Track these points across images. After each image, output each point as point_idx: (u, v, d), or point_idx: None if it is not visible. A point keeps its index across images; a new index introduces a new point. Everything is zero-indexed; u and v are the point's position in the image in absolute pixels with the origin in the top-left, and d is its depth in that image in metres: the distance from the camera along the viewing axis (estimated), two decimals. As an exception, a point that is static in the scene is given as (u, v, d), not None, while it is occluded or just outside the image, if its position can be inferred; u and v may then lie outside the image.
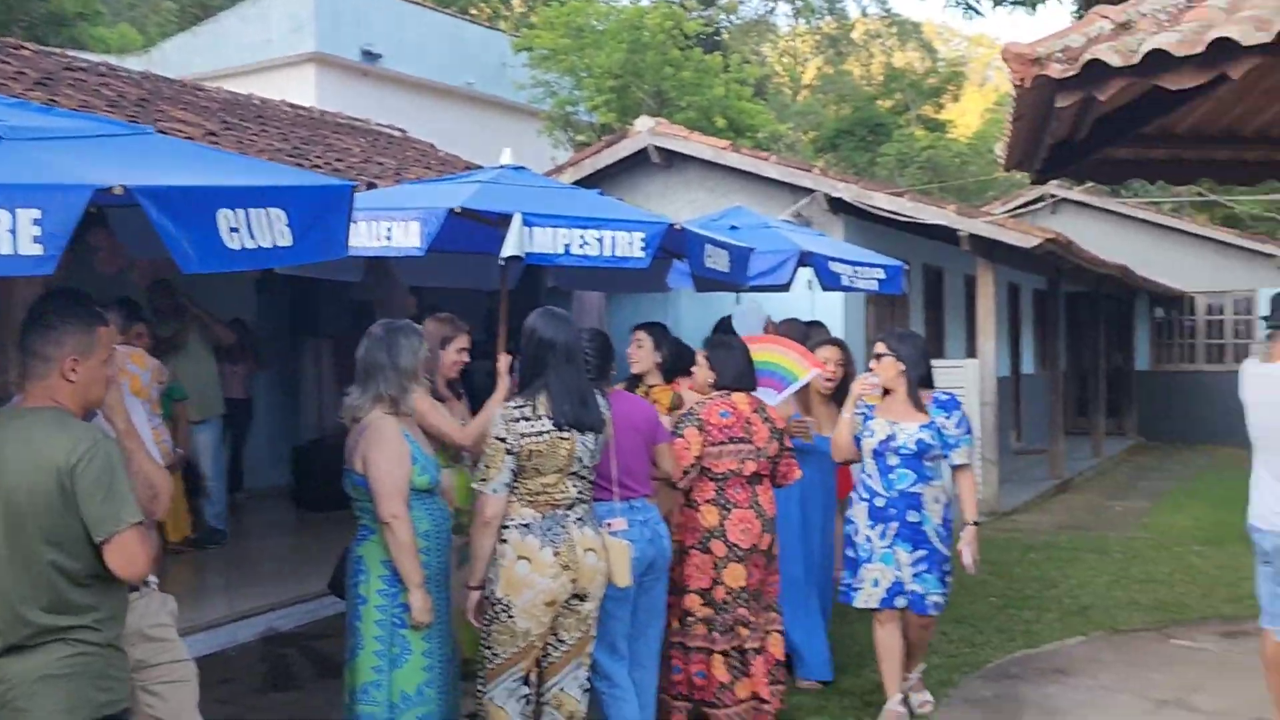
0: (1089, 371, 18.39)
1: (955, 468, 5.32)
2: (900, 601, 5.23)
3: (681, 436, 4.96)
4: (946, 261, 13.98)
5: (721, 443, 4.99)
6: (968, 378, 11.54)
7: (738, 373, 5.20)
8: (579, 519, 4.19)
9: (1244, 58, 4.03)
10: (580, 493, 4.23)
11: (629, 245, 4.97)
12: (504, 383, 4.90)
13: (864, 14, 40.67)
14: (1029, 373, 18.23)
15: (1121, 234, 20.83)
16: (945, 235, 11.53)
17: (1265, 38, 3.92)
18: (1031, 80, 4.38)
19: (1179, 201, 27.05)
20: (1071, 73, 4.29)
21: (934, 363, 12.01)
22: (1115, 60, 4.20)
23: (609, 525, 4.46)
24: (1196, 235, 21.16)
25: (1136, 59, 4.15)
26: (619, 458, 4.61)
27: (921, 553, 5.18)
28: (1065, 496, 13.35)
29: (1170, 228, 21.30)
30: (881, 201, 10.88)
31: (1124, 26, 4.41)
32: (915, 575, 5.19)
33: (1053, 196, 20.61)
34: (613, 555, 4.28)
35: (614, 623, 4.57)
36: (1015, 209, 20.80)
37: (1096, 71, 4.27)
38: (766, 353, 5.92)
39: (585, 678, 4.28)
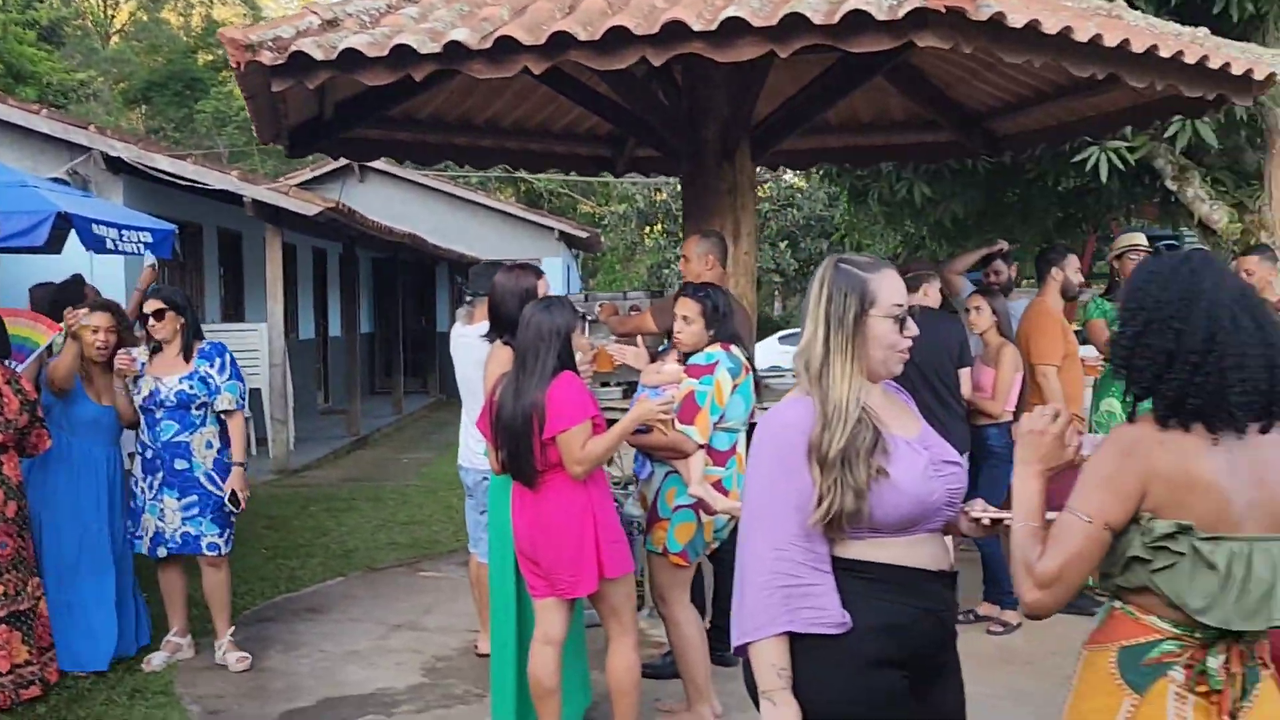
0: (393, 334, 19.46)
1: (223, 412, 5.58)
2: (162, 551, 5.53)
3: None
4: (246, 226, 14.10)
5: (-31, 417, 4.84)
6: (260, 340, 11.84)
7: None
8: None
9: (423, 63, 4.68)
10: None
11: None
12: None
13: (182, -39, 39.12)
14: (336, 335, 18.90)
15: (425, 204, 22.19)
16: (241, 200, 11.66)
17: (436, 48, 4.59)
18: (245, 65, 4.71)
19: (486, 177, 29.20)
20: (281, 61, 4.69)
21: (230, 326, 12.17)
22: (318, 54, 4.65)
23: None
24: (491, 208, 23.11)
25: (334, 55, 4.64)
26: None
27: (192, 498, 5.48)
28: (360, 452, 14.13)
29: (468, 200, 23.04)
30: (163, 163, 10.79)
31: (331, 24, 4.89)
32: (186, 519, 5.48)
33: (362, 165, 21.43)
34: None
35: None
36: (325, 174, 21.38)
37: (303, 62, 4.70)
38: (13, 326, 5.77)
39: None
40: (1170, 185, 9.79)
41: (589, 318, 6.18)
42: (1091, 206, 11.65)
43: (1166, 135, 8.28)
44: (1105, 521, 2.03)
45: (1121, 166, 8.38)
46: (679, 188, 28.05)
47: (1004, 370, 6.15)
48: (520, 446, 4.15)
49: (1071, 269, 6.53)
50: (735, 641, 2.50)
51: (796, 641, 2.43)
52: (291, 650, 5.92)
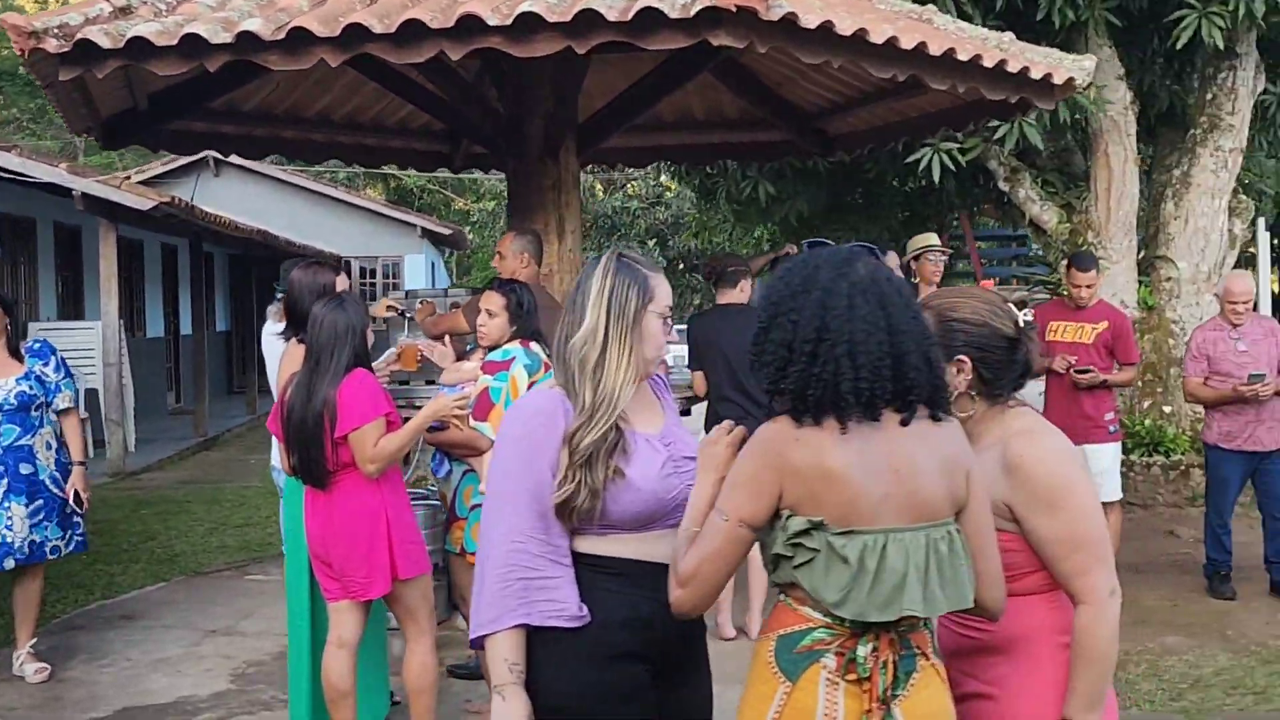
0: (249, 331, 19.01)
1: (60, 412, 5.48)
2: (10, 563, 5.30)
3: None
4: (85, 221, 13.62)
5: None
6: (94, 339, 11.46)
7: None
8: None
9: (216, 54, 4.55)
10: None
11: None
12: None
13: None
14: (187, 334, 18.39)
15: (284, 199, 21.75)
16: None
17: (228, 38, 4.47)
18: (30, 53, 4.54)
19: (354, 172, 28.68)
20: (66, 49, 4.52)
21: (62, 325, 11.74)
22: (106, 43, 4.50)
23: None
24: (352, 204, 22.74)
25: (123, 44, 4.49)
26: None
27: (39, 502, 5.34)
28: (206, 454, 13.75)
29: (328, 196, 22.64)
30: (-13, 155, 10.38)
31: (123, 11, 4.72)
32: (33, 526, 5.30)
33: (215, 158, 20.91)
34: None
35: None
36: (178, 168, 20.82)
37: (90, 51, 4.54)
38: None
39: None
40: (1003, 186, 10.08)
41: (408, 315, 6.10)
42: (934, 205, 11.93)
43: (996, 137, 8.49)
44: (740, 519, 2.05)
45: (953, 167, 8.56)
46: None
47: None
48: (311, 448, 4.06)
49: (891, 264, 6.67)
50: (471, 634, 2.48)
51: (535, 634, 2.41)
52: (96, 659, 5.73)
